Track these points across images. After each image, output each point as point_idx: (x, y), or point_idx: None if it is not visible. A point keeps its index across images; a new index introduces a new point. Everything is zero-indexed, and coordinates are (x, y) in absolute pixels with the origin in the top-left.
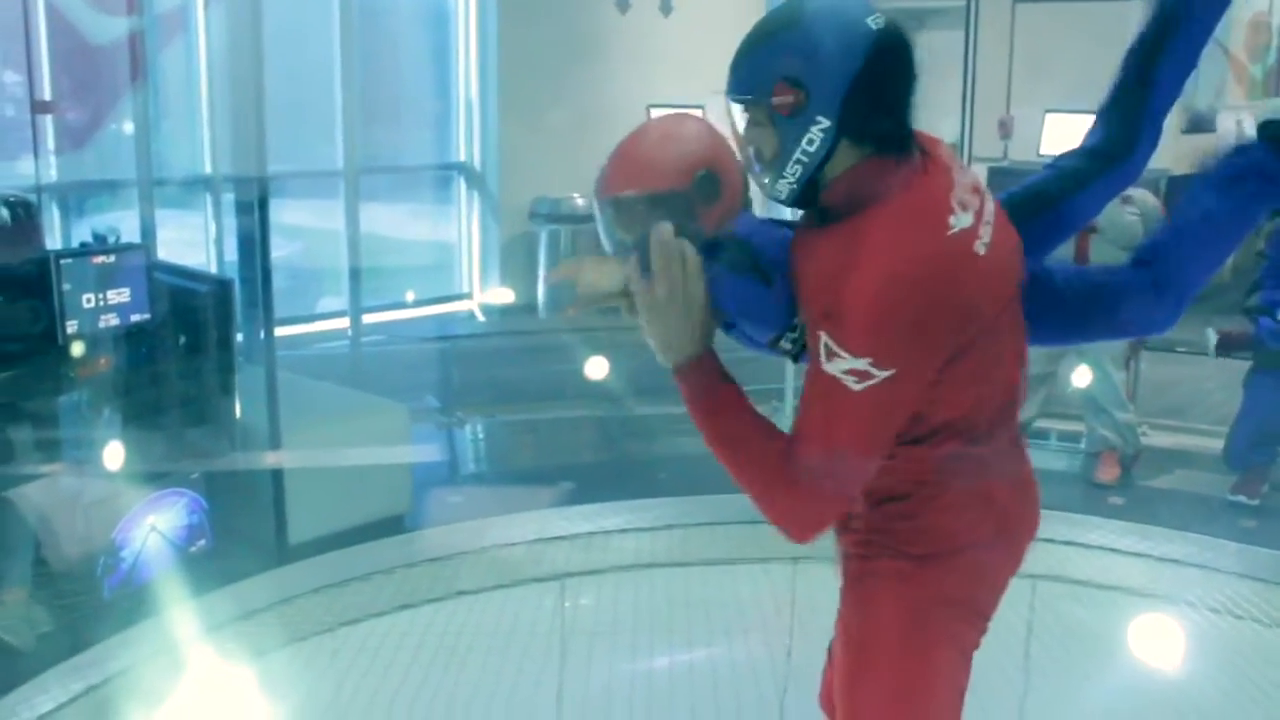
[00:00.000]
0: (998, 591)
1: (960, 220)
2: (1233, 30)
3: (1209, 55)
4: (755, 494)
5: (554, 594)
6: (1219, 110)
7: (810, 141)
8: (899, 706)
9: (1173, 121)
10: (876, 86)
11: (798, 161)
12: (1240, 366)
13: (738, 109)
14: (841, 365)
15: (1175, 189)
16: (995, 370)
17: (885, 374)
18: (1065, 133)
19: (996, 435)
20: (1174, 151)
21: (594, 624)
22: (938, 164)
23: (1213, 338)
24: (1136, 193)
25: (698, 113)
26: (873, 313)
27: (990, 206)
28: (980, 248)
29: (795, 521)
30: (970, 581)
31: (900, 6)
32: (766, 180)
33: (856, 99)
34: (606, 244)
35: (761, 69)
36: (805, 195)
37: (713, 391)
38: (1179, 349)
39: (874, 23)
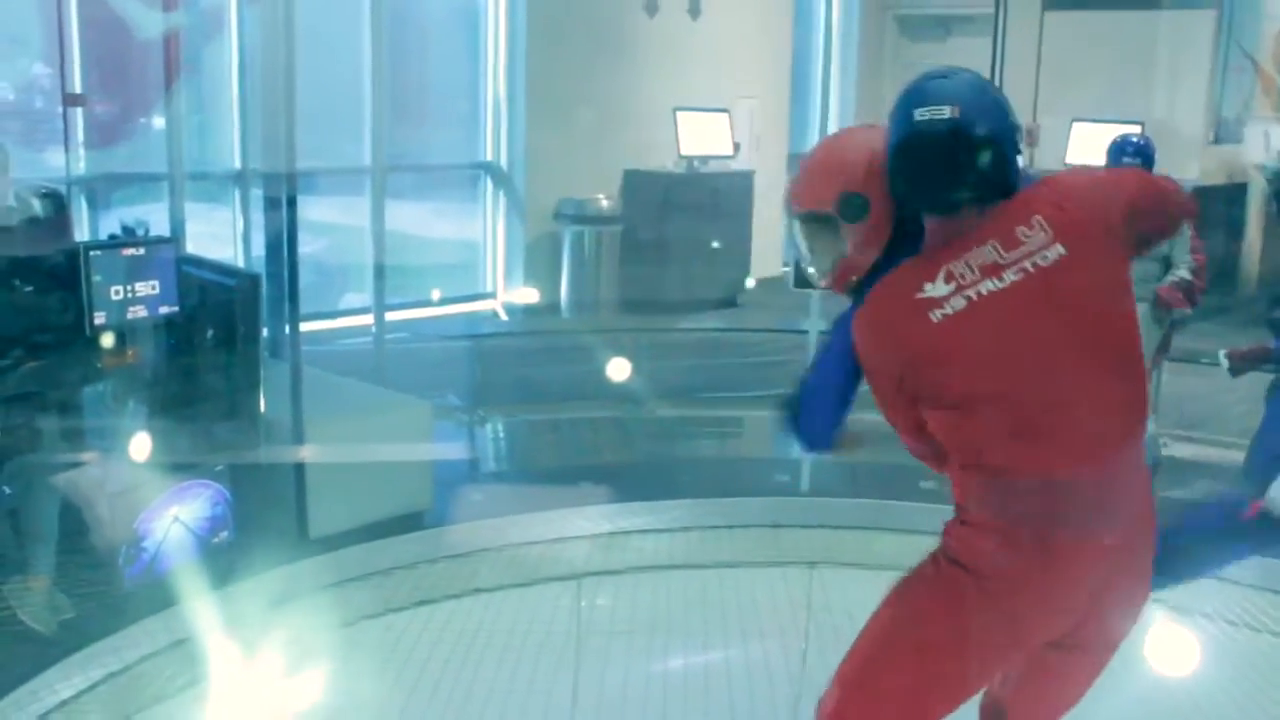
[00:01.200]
0: (1019, 626)
1: (933, 290)
2: (1261, 42)
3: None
4: None
5: (571, 593)
6: (1246, 121)
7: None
8: (873, 652)
9: (1200, 132)
10: (907, 169)
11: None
12: (1264, 379)
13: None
14: None
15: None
16: (998, 428)
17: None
18: (1091, 142)
19: (1049, 488)
20: (1201, 162)
21: (611, 624)
22: (968, 238)
23: (1225, 361)
24: None
25: (722, 115)
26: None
27: (1016, 274)
28: (936, 316)
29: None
30: (982, 604)
31: (929, 13)
32: None
33: (896, 175)
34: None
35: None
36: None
37: None
38: (1202, 360)
39: (918, 115)
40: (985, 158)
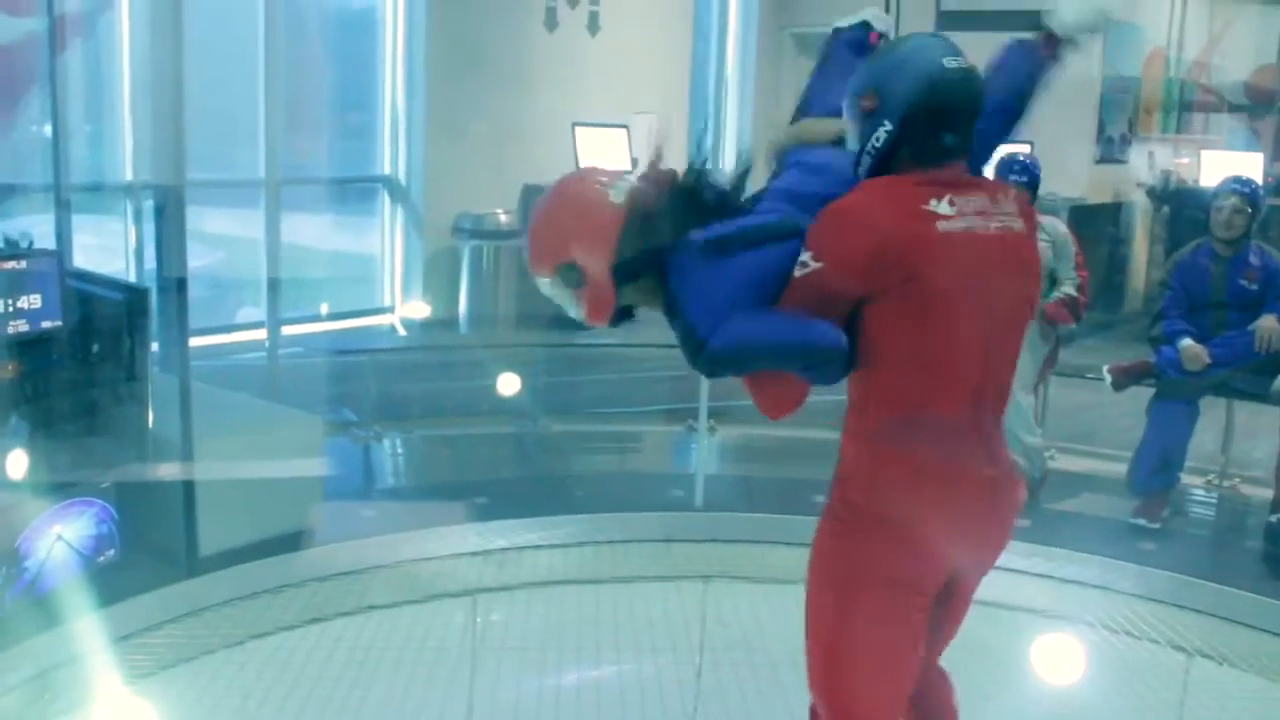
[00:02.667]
0: (934, 568)
1: (938, 206)
2: (1141, 63)
3: (1119, 88)
4: None
5: (465, 609)
6: (1130, 141)
7: (877, 139)
8: (824, 645)
9: (1087, 151)
10: (929, 113)
11: (868, 153)
12: (1145, 393)
13: (850, 112)
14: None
15: (1083, 218)
16: (946, 358)
17: (816, 265)
18: None
19: (952, 427)
20: (1088, 181)
21: (505, 640)
22: (961, 179)
23: (1108, 376)
24: (1046, 220)
25: (621, 131)
26: (824, 220)
27: (998, 224)
28: (943, 226)
29: None
30: (891, 552)
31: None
32: (854, 167)
33: (915, 115)
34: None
35: (863, 79)
36: None
37: None
38: (1087, 375)
39: (949, 63)
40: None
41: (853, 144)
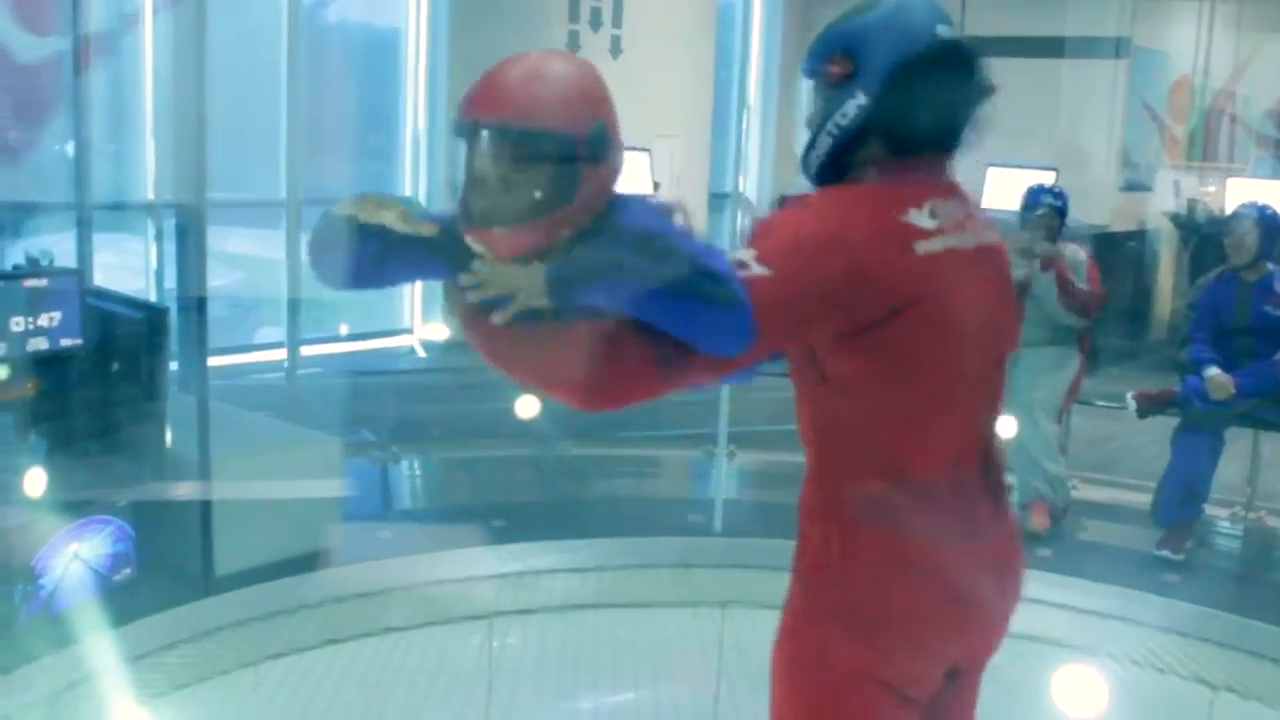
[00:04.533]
0: (929, 673)
1: (917, 218)
2: (1164, 93)
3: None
4: None
5: (482, 633)
6: (1156, 169)
7: (844, 115)
8: None
9: (1112, 179)
10: (917, 87)
11: (829, 133)
12: (1170, 423)
13: (808, 82)
14: (738, 259)
15: (1107, 245)
16: (929, 410)
17: (760, 270)
18: (1007, 186)
19: (937, 494)
20: (1112, 208)
21: (521, 664)
22: (941, 183)
23: (1132, 403)
24: (1068, 248)
25: (643, 154)
26: (774, 221)
27: (975, 239)
28: (922, 248)
29: None
30: (875, 660)
31: None
32: (804, 151)
33: (895, 90)
34: (469, 177)
35: (830, 42)
36: (827, 177)
37: None
38: (1110, 404)
39: (941, 31)
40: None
41: (811, 120)
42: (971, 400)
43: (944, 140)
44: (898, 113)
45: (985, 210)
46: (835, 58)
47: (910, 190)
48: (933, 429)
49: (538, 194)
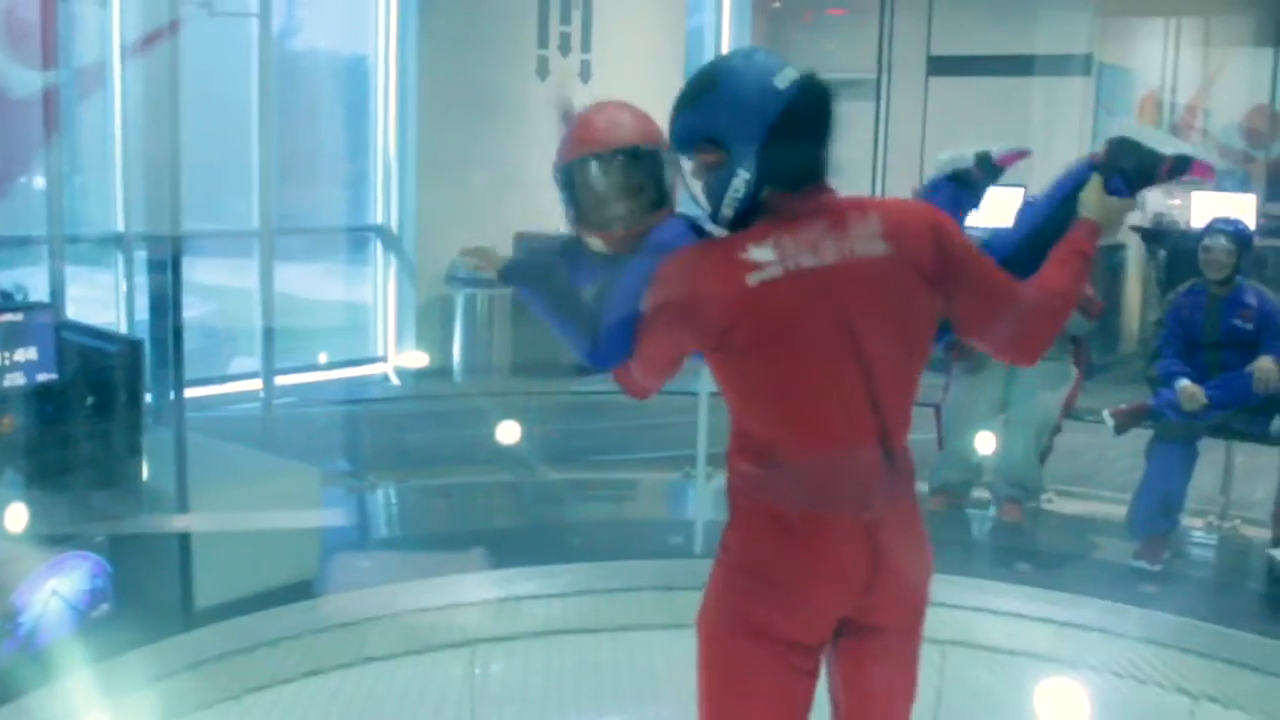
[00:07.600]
0: (805, 620)
1: (755, 253)
2: (1132, 109)
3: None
4: None
5: (464, 661)
6: None
7: (736, 191)
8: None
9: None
10: (784, 139)
11: (730, 204)
12: (1144, 435)
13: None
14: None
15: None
16: (786, 402)
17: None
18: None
19: (811, 473)
20: None
21: (504, 691)
22: (804, 209)
23: (1110, 421)
24: None
25: None
26: (655, 275)
27: (836, 254)
28: (754, 278)
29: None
30: (755, 604)
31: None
32: (714, 212)
33: (769, 152)
34: (585, 197)
35: (689, 130)
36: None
37: None
38: (1087, 418)
39: (780, 82)
40: (834, 122)
41: (704, 199)
42: (843, 392)
43: (816, 167)
44: (778, 165)
45: (891, 223)
46: (702, 147)
47: (758, 229)
48: (793, 419)
49: (647, 197)
